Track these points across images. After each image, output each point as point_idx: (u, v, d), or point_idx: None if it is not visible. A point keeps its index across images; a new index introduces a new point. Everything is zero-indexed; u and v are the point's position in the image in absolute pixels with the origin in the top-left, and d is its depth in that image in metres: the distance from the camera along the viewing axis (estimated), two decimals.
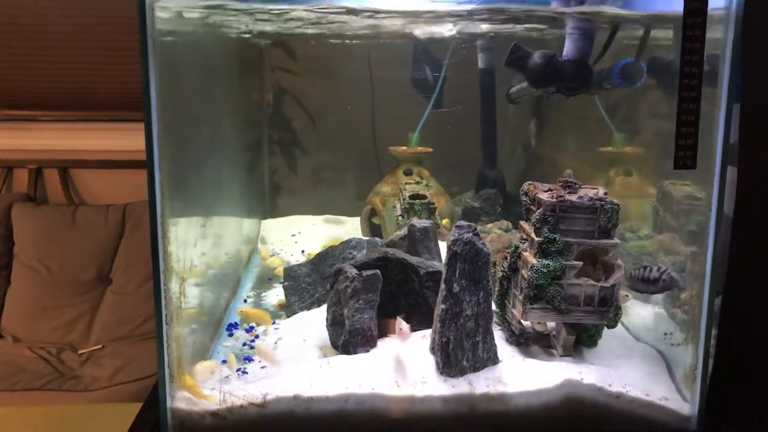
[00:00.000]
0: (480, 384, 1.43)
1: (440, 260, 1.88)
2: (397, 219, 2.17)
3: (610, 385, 1.43)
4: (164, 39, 1.32)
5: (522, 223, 1.58)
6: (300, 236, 2.63)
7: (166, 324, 1.39)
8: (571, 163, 2.44)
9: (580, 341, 1.58)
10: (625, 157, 2.41)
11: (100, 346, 3.30)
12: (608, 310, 1.49)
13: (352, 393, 1.42)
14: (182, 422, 1.42)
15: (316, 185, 2.90)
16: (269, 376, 1.50)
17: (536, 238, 1.48)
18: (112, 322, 3.46)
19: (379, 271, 1.61)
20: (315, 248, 2.34)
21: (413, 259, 1.72)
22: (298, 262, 2.09)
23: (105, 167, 3.71)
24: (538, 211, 1.49)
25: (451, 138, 2.69)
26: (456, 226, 1.46)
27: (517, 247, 1.56)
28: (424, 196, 2.17)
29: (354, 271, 1.64)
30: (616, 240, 1.49)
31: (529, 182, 1.57)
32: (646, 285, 1.54)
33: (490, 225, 2.22)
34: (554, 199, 1.47)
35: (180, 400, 1.42)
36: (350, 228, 2.70)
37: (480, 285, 1.45)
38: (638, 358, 1.57)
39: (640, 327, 1.70)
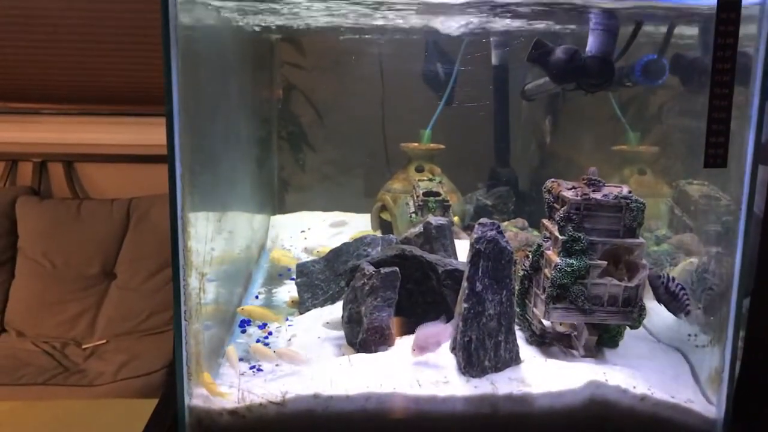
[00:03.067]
0: (503, 384, 1.41)
1: (456, 258, 1.86)
2: (411, 216, 2.15)
3: (634, 387, 1.41)
4: (185, 30, 1.30)
5: (544, 221, 1.56)
6: (309, 232, 2.60)
7: (185, 320, 1.36)
8: (585, 162, 2.43)
9: (602, 342, 1.55)
10: (640, 155, 2.40)
11: (104, 341, 3.26)
12: (632, 310, 1.47)
13: (373, 392, 1.40)
14: (200, 420, 1.39)
15: (324, 181, 2.88)
16: (288, 374, 1.48)
17: (560, 237, 1.46)
18: (117, 317, 3.43)
19: (397, 269, 1.59)
20: (324, 244, 2.32)
21: (431, 257, 1.69)
22: (310, 259, 2.06)
23: (110, 161, 3.67)
24: (563, 209, 1.47)
25: (463, 135, 2.67)
26: (479, 224, 1.43)
27: (540, 246, 1.53)
28: (438, 194, 2.14)
29: (371, 269, 1.62)
30: (641, 239, 1.47)
31: (552, 180, 1.55)
32: (668, 296, 1.52)
33: (506, 223, 2.20)
34: (579, 197, 1.45)
35: (197, 397, 1.40)
36: (359, 224, 2.68)
37: (503, 284, 1.43)
38: (661, 359, 1.55)
39: (661, 328, 1.68)
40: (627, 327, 1.52)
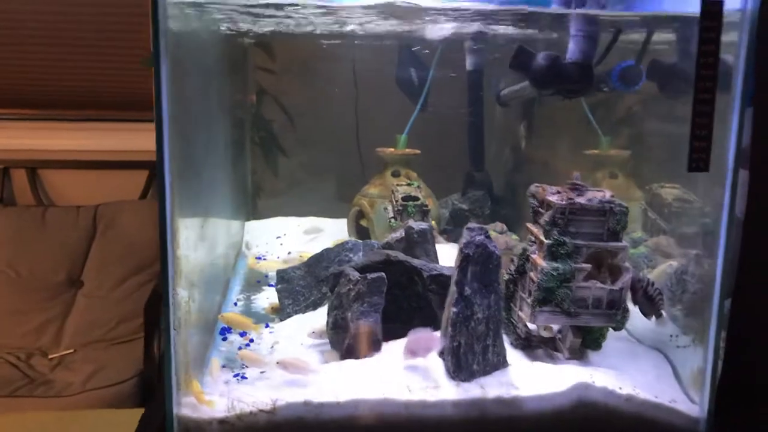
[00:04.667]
0: (492, 388, 1.42)
1: (438, 263, 1.87)
2: (390, 221, 2.15)
3: (620, 388, 1.43)
4: (173, 34, 1.29)
5: (529, 225, 1.57)
6: (285, 238, 2.59)
7: (174, 330, 1.34)
8: (559, 166, 2.46)
9: (585, 344, 1.57)
10: (611, 159, 2.43)
11: (71, 351, 3.21)
12: (616, 312, 1.49)
13: (363, 398, 1.39)
14: (188, 430, 1.37)
15: (298, 187, 2.87)
16: (280, 382, 1.47)
17: (546, 241, 1.48)
18: (84, 326, 3.37)
19: (384, 274, 1.59)
20: (305, 251, 2.31)
21: (416, 262, 1.70)
22: (291, 265, 2.05)
23: (75, 167, 3.62)
24: (548, 213, 1.48)
25: (437, 140, 2.68)
26: (467, 228, 1.44)
27: (525, 250, 1.55)
28: (416, 198, 2.14)
29: (356, 274, 1.62)
30: (624, 243, 1.49)
31: (537, 184, 1.56)
32: (645, 299, 1.55)
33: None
34: (564, 202, 1.47)
35: (186, 406, 1.38)
36: (334, 230, 2.68)
37: (491, 288, 1.44)
38: (643, 360, 1.57)
39: (640, 329, 1.71)
40: (612, 329, 1.54)
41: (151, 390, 3.10)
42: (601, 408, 1.42)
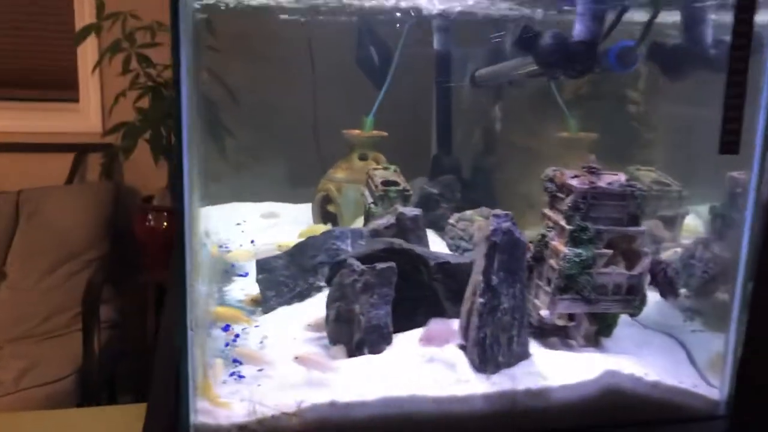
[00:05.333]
0: (521, 379, 1.38)
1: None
2: (370, 207, 2.06)
3: (646, 375, 1.42)
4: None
5: (546, 211, 1.53)
6: (245, 225, 2.47)
7: (191, 330, 1.23)
8: (530, 148, 2.43)
9: (597, 331, 1.55)
10: (580, 142, 2.43)
11: None
12: (634, 298, 1.48)
13: (392, 396, 1.32)
14: None
15: (252, 170, 2.74)
16: (286, 381, 1.37)
17: (567, 227, 1.44)
18: (9, 320, 3.15)
19: (394, 264, 1.52)
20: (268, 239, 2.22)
21: (421, 250, 1.63)
22: (268, 255, 1.94)
23: None
24: (569, 198, 1.44)
25: (402, 122, 2.61)
26: (493, 216, 1.39)
27: (544, 236, 1.50)
28: (397, 183, 2.07)
29: (358, 264, 1.53)
30: (643, 227, 1.47)
31: (554, 168, 1.52)
32: (665, 281, 1.54)
33: (469, 212, 2.16)
34: (586, 186, 1.43)
35: (202, 413, 1.27)
36: (293, 216, 2.58)
37: (516, 276, 1.39)
38: (657, 345, 1.56)
39: (646, 314, 1.69)
40: (628, 315, 1.53)
41: (92, 388, 2.92)
42: (628, 395, 1.40)
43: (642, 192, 1.45)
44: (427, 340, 1.41)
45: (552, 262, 1.47)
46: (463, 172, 2.52)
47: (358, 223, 2.32)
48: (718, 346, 1.46)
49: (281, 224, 2.51)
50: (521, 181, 2.40)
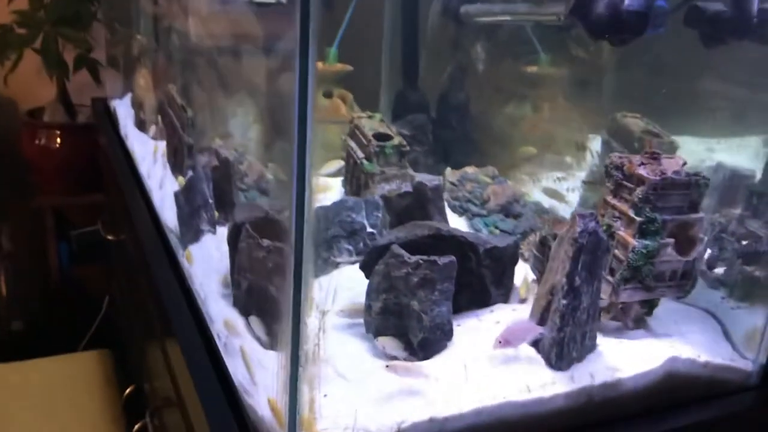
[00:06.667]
0: (596, 373, 1.39)
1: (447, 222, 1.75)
2: (362, 163, 1.94)
3: (699, 356, 1.48)
4: None
5: (609, 199, 1.50)
6: None
7: (301, 367, 1.13)
8: (501, 84, 2.38)
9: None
10: (551, 78, 2.41)
11: None
12: (687, 282, 1.51)
13: (485, 405, 1.30)
14: None
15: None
16: (374, 395, 1.31)
17: (637, 219, 1.43)
18: None
19: (454, 258, 1.44)
20: None
21: (469, 235, 1.57)
22: None
23: None
24: (640, 189, 1.43)
25: (360, 53, 2.45)
26: (579, 216, 1.34)
27: (610, 226, 1.49)
28: (390, 136, 1.95)
29: (407, 254, 1.45)
30: (701, 214, 1.49)
31: (620, 155, 1.49)
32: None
33: (470, 170, 2.08)
34: (658, 178, 1.42)
35: None
36: None
37: (596, 274, 1.38)
38: (698, 323, 1.62)
39: None
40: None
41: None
42: (683, 376, 1.46)
43: (705, 181, 1.45)
44: (505, 343, 1.38)
45: (617, 252, 1.47)
46: (430, 110, 2.43)
47: (329, 167, 2.21)
48: (753, 320, 1.54)
49: None
50: (495, 119, 2.36)
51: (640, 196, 1.42)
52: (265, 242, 1.37)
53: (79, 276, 3.72)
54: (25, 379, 2.41)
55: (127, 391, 2.41)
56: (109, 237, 2.79)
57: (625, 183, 1.47)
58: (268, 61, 1.31)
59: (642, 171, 1.43)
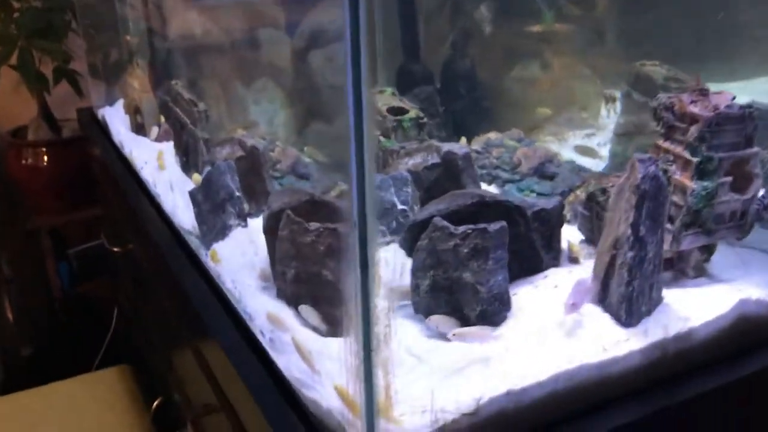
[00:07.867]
0: (668, 325, 1.33)
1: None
2: (380, 140, 1.86)
3: (766, 296, 1.41)
4: None
5: (661, 143, 1.43)
6: None
7: (373, 350, 1.05)
8: (507, 43, 2.30)
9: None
10: (555, 37, 2.34)
11: None
12: (746, 222, 1.45)
13: (561, 371, 1.23)
14: None
15: None
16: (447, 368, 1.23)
17: (694, 159, 1.36)
18: None
19: (505, 223, 1.37)
20: None
21: (515, 199, 1.49)
22: None
23: None
24: (694, 127, 1.36)
25: None
26: (639, 160, 1.27)
27: (665, 171, 1.41)
28: (405, 110, 1.87)
29: (453, 226, 1.37)
30: (756, 148, 1.42)
31: (669, 95, 1.41)
32: None
33: (493, 135, 2.00)
34: (712, 114, 1.34)
35: None
36: None
37: (658, 222, 1.31)
38: (754, 265, 1.55)
39: None
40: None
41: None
42: (755, 319, 1.40)
43: (760, 112, 1.38)
44: (573, 307, 1.31)
45: (676, 198, 1.39)
46: (437, 82, 2.34)
47: None
48: None
49: None
50: (504, 83, 2.28)
51: (696, 135, 1.35)
52: (313, 225, 1.29)
53: (83, 294, 3.62)
54: (48, 404, 2.32)
55: (155, 403, 2.32)
56: (115, 249, 2.69)
57: (677, 124, 1.39)
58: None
59: (694, 108, 1.36)
